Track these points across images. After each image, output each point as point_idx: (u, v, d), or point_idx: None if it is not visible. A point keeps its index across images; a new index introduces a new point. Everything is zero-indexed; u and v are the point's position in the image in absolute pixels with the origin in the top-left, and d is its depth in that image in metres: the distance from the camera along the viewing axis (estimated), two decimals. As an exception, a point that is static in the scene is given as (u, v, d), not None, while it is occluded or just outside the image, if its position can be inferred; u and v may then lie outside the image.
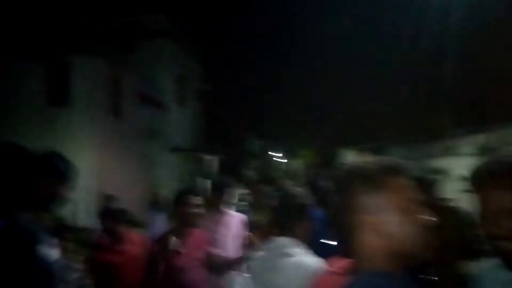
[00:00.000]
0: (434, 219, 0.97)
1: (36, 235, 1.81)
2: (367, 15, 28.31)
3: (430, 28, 16.76)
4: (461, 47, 15.40)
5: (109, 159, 11.85)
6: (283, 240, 2.03)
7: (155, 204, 10.12)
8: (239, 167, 24.48)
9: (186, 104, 19.14)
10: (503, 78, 13.96)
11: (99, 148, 11.59)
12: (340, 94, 25.30)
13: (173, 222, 2.98)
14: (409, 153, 10.58)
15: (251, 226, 4.17)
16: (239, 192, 8.58)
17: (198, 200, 2.84)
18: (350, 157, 17.31)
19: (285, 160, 44.99)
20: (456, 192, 8.36)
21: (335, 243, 3.15)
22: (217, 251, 3.28)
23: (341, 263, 1.09)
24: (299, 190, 2.30)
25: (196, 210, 2.81)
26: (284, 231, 2.06)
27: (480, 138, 9.17)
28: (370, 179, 0.97)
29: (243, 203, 7.79)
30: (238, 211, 4.21)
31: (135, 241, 3.64)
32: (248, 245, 3.49)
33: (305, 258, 2.03)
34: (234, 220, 3.71)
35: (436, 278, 2.22)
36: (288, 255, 1.97)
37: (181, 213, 2.81)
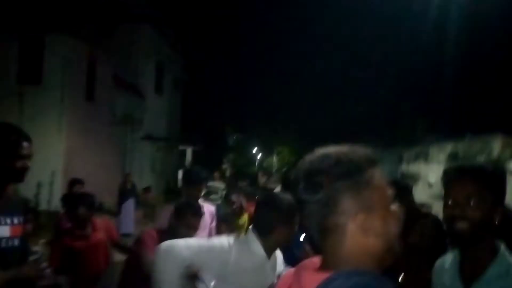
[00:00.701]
0: (402, 217, 0.94)
1: None
2: (350, 14, 28.59)
3: (412, 32, 17.09)
4: (440, 54, 15.78)
5: (79, 142, 11.51)
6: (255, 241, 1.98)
7: (125, 191, 9.90)
8: (214, 159, 24.32)
9: (164, 93, 18.84)
10: (478, 89, 14.38)
11: (68, 130, 11.24)
12: (320, 93, 25.52)
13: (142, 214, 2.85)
14: (384, 157, 10.72)
15: (221, 218, 4.10)
16: (212, 184, 8.52)
17: (197, 220, 2.73)
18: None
19: (260, 156, 45.14)
20: (428, 197, 8.57)
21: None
22: None
23: (312, 261, 0.95)
24: (287, 195, 2.24)
25: (192, 232, 2.69)
26: (263, 233, 2.00)
27: (450, 147, 9.38)
28: (358, 171, 0.86)
29: (215, 195, 7.73)
30: (209, 202, 4.12)
31: (99, 227, 3.50)
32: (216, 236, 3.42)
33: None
34: (205, 211, 3.63)
35: (402, 281, 2.22)
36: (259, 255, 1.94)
37: (178, 230, 2.68)
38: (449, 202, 1.38)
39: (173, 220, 2.71)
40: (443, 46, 15.85)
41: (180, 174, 19.91)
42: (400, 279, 2.21)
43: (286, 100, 30.63)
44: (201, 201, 3.72)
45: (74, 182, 5.35)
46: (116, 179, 13.47)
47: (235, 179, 10.10)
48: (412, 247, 2.36)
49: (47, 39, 11.00)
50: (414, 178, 9.92)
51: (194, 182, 3.53)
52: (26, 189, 9.47)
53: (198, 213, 2.74)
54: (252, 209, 4.37)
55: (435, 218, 2.89)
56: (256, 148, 44.16)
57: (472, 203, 1.33)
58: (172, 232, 2.63)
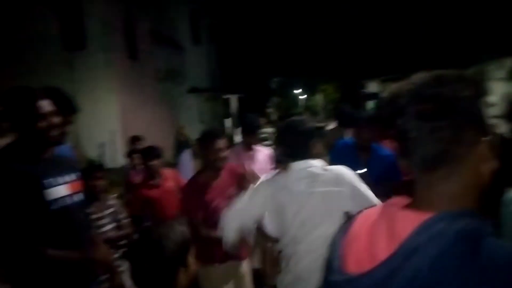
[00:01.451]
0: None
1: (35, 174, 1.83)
2: None
3: None
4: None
5: (129, 101, 11.93)
6: (303, 164, 2.05)
7: (180, 143, 10.27)
8: (259, 104, 24.35)
9: (201, 43, 18.70)
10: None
11: (118, 91, 11.63)
12: (359, 25, 24.15)
13: (200, 163, 2.96)
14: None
15: (278, 160, 4.20)
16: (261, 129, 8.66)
17: (222, 143, 2.78)
18: (374, 89, 16.89)
19: (305, 96, 44.52)
20: (491, 117, 8.14)
21: (364, 170, 3.15)
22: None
23: (401, 200, 0.88)
24: (303, 117, 2.35)
25: (221, 154, 2.75)
26: (298, 157, 2.07)
27: (509, 62, 8.72)
28: (483, 94, 0.79)
29: (266, 141, 7.84)
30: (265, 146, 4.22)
31: (169, 176, 3.74)
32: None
33: (334, 168, 2.08)
34: (262, 155, 3.74)
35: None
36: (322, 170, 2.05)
37: (207, 156, 2.76)
38: None
39: (202, 150, 2.80)
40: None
41: (227, 122, 20.26)
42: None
43: (326, 38, 29.35)
44: (257, 146, 3.84)
45: (135, 139, 5.65)
46: (169, 133, 13.97)
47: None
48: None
49: (85, 4, 11.12)
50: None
51: (249, 130, 3.66)
52: (90, 150, 10.15)
53: (221, 135, 2.83)
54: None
55: (502, 136, 2.78)
56: (299, 89, 43.51)
57: None
58: (206, 162, 2.76)
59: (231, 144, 5.00)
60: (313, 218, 2.01)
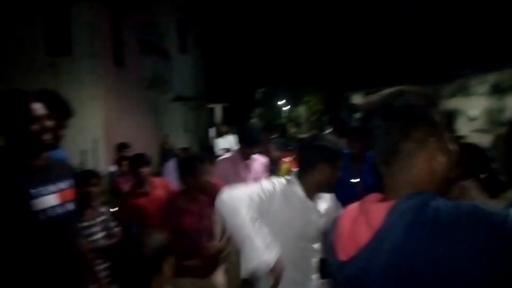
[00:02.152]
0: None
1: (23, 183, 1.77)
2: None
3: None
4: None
5: (113, 108, 11.78)
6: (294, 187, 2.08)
7: (165, 152, 10.21)
8: (243, 114, 24.38)
9: (188, 52, 18.70)
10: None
11: (103, 98, 11.48)
12: (344, 38, 24.59)
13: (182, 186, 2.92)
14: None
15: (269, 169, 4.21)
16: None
17: (205, 168, 2.77)
18: (357, 102, 17.15)
19: (288, 107, 44.79)
20: (468, 131, 8.37)
21: (357, 180, 3.19)
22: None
23: (375, 195, 1.06)
24: (332, 136, 2.31)
25: (204, 179, 2.75)
26: (305, 171, 2.06)
27: (492, 77, 8.99)
28: (434, 104, 0.98)
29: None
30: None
31: (158, 184, 3.70)
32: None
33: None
34: (258, 163, 3.74)
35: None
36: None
37: (190, 182, 2.75)
38: None
39: (184, 176, 2.76)
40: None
41: (211, 131, 20.18)
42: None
43: (311, 50, 29.75)
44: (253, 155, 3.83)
45: (122, 146, 5.60)
46: (153, 142, 13.85)
47: (265, 132, 10.15)
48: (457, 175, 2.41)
49: (72, 9, 10.99)
50: (453, 114, 9.68)
51: (249, 143, 3.57)
52: (72, 158, 9.94)
53: (204, 160, 2.83)
54: (285, 159, 4.45)
55: (476, 146, 2.86)
56: (283, 100, 43.77)
57: None
58: (189, 186, 2.74)
59: (212, 155, 4.97)
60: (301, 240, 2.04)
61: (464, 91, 9.52)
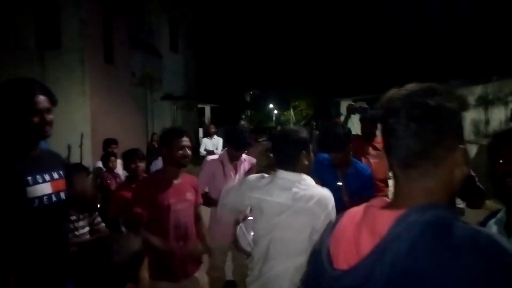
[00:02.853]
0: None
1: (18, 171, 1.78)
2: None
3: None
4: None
5: (101, 104, 11.67)
6: (289, 175, 2.10)
7: (152, 150, 10.13)
8: (232, 116, 24.39)
9: (179, 51, 18.64)
10: (503, 29, 13.78)
11: (91, 93, 11.37)
12: (336, 44, 24.82)
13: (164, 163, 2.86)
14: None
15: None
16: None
17: (187, 141, 2.71)
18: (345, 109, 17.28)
19: (277, 111, 44.98)
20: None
21: (340, 184, 3.22)
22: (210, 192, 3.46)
23: (380, 200, 0.98)
24: (296, 127, 2.41)
25: (185, 152, 2.71)
26: (286, 166, 2.12)
27: (478, 89, 9.17)
28: (466, 106, 0.91)
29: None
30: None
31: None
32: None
33: (320, 190, 2.11)
34: (246, 165, 3.73)
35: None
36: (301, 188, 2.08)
37: (170, 154, 2.69)
38: (500, 161, 1.47)
39: (166, 149, 2.68)
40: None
41: (200, 132, 20.12)
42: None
43: (302, 55, 29.94)
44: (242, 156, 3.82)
45: (109, 142, 5.54)
46: (140, 139, 13.73)
47: (254, 135, 10.20)
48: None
49: (62, 2, 10.88)
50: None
51: (238, 146, 3.54)
52: (58, 151, 9.80)
53: (184, 133, 2.75)
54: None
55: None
56: (272, 104, 43.94)
57: None
58: (169, 160, 2.68)
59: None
60: (284, 232, 2.06)
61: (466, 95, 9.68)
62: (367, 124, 3.92)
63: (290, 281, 1.99)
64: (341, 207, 2.69)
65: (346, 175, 3.15)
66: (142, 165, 3.62)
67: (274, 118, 43.60)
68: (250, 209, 2.53)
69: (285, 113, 43.23)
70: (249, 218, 2.95)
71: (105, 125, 11.09)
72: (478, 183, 2.62)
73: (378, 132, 3.09)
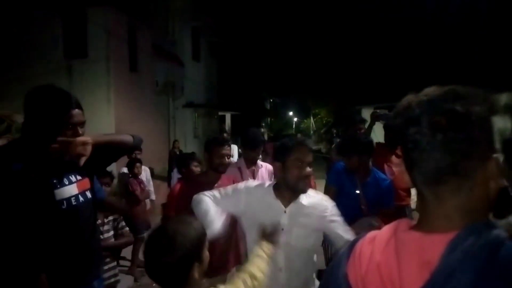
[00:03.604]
0: None
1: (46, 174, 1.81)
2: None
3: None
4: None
5: (125, 112, 11.94)
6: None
7: (174, 157, 10.27)
8: (252, 123, 24.47)
9: (201, 60, 18.92)
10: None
11: (116, 101, 11.66)
12: (357, 51, 24.67)
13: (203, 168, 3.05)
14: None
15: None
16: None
17: (226, 150, 2.89)
18: (367, 116, 17.13)
19: (297, 118, 44.86)
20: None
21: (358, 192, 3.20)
22: None
23: (405, 222, 0.85)
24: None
25: (224, 160, 2.86)
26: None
27: (504, 97, 8.99)
28: (494, 105, 0.79)
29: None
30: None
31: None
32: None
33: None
34: (264, 170, 3.76)
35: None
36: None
37: (211, 160, 2.86)
38: None
39: (208, 155, 2.91)
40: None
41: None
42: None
43: (323, 62, 29.86)
44: (260, 161, 3.87)
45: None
46: (162, 146, 13.96)
47: (272, 143, 10.20)
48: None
49: (89, 12, 11.23)
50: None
51: (252, 145, 3.64)
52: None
53: (226, 142, 2.93)
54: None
55: None
56: (292, 111, 43.86)
57: None
58: (210, 166, 2.90)
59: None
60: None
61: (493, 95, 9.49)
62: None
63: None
64: (359, 215, 2.70)
65: (364, 184, 3.14)
66: (197, 169, 3.74)
67: (294, 125, 43.49)
68: None
69: (305, 120, 43.08)
70: None
71: (129, 131, 11.25)
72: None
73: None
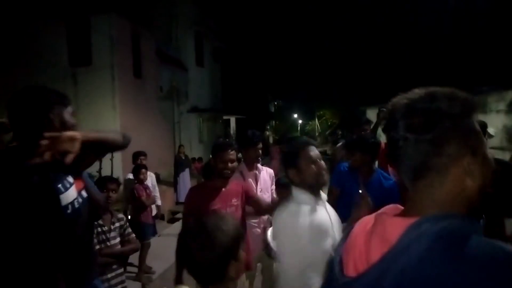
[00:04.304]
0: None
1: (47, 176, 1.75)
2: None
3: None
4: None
5: (130, 118, 12.00)
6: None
7: (179, 162, 10.30)
8: (257, 127, 24.46)
9: (204, 64, 18.98)
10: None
11: (120, 107, 11.71)
12: (361, 53, 24.63)
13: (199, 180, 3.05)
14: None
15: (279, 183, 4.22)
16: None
17: (232, 155, 2.89)
18: (372, 117, 17.10)
19: (302, 121, 44.82)
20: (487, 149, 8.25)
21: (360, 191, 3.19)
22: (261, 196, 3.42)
23: (392, 207, 0.95)
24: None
25: (229, 165, 2.86)
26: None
27: (510, 94, 8.91)
28: (470, 112, 0.83)
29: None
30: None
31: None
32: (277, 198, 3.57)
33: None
34: (265, 174, 3.75)
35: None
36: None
37: (217, 165, 2.86)
38: None
39: (214, 160, 2.92)
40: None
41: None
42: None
43: (327, 64, 29.84)
44: (260, 166, 3.85)
45: (138, 154, 5.69)
46: (168, 151, 14.01)
47: (276, 146, 10.18)
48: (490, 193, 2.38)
49: (92, 20, 11.32)
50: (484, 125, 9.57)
51: (251, 142, 3.64)
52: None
53: (231, 147, 2.91)
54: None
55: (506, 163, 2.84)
56: (297, 114, 43.83)
57: None
58: (213, 170, 2.92)
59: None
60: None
61: (481, 108, 9.43)
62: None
63: None
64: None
65: (368, 183, 3.13)
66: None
67: (299, 128, 43.46)
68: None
69: (310, 122, 43.04)
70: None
71: (135, 137, 11.23)
72: None
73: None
